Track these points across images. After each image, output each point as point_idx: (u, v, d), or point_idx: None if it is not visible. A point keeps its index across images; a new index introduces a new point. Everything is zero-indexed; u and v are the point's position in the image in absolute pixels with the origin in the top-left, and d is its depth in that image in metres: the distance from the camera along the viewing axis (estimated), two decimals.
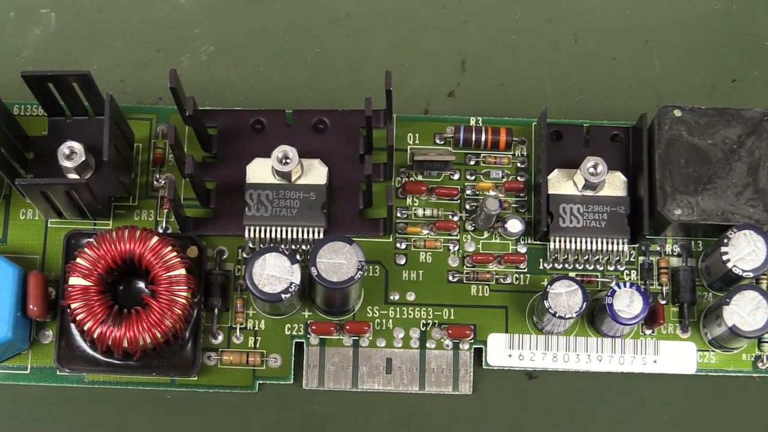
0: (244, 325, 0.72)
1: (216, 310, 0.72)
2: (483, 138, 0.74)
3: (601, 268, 0.74)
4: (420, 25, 0.79)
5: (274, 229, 0.72)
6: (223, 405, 0.73)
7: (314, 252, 0.68)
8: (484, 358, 0.73)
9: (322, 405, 0.73)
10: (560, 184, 0.73)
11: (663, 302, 0.73)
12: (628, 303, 0.70)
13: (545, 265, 0.74)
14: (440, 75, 0.78)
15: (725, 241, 0.70)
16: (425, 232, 0.74)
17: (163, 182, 0.74)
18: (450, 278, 0.73)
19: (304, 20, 0.79)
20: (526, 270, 0.74)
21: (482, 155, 0.75)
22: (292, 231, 0.72)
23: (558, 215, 0.72)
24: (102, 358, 0.70)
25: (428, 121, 0.76)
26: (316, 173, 0.73)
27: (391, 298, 0.73)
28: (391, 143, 0.71)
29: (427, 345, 0.73)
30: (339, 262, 0.68)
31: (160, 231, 0.73)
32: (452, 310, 0.73)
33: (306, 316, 0.73)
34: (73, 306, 0.68)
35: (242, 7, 0.79)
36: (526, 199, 0.75)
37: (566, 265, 0.74)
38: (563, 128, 0.75)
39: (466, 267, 0.74)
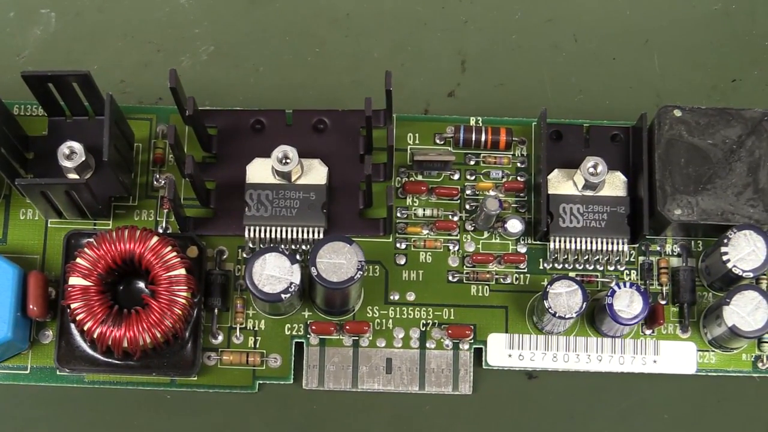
0: (244, 325, 0.73)
1: (216, 310, 0.72)
2: (483, 138, 0.74)
3: (601, 268, 0.74)
4: (420, 25, 0.79)
5: (274, 229, 0.72)
6: (223, 405, 0.73)
7: (314, 252, 0.68)
8: (484, 358, 0.73)
9: (322, 405, 0.73)
10: (560, 184, 0.73)
11: (663, 302, 0.73)
12: (628, 303, 0.70)
13: (545, 265, 0.74)
14: (440, 75, 0.78)
15: (725, 241, 0.70)
16: (425, 232, 0.74)
17: (163, 182, 0.74)
18: (450, 278, 0.73)
19: (304, 20, 0.79)
20: (526, 270, 0.74)
21: (482, 155, 0.75)
22: (292, 231, 0.72)
23: (558, 215, 0.72)
24: (102, 358, 0.70)
25: (428, 121, 0.76)
26: (316, 173, 0.73)
27: (391, 298, 0.73)
28: (391, 143, 0.71)
29: (427, 345, 0.73)
30: (339, 262, 0.68)
31: (160, 231, 0.73)
32: (452, 310, 0.73)
33: (306, 316, 0.73)
34: (73, 306, 0.68)
35: (242, 7, 0.79)
36: (526, 199, 0.75)
37: (566, 265, 0.74)
38: (563, 128, 0.75)
39: (466, 267, 0.74)
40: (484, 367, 0.73)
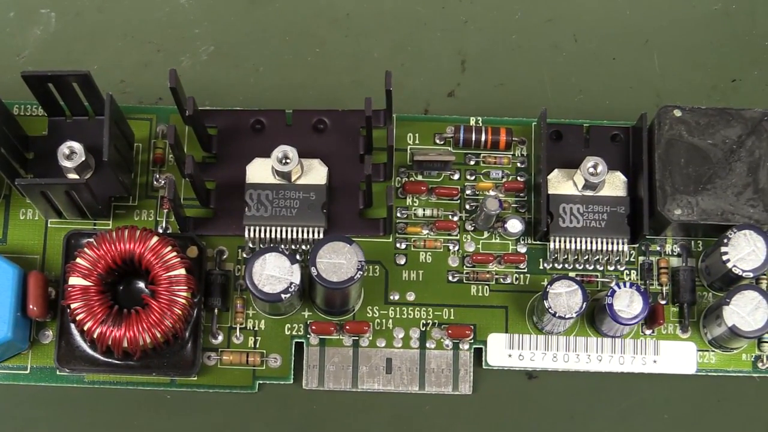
0: (244, 325, 0.72)
1: (216, 310, 0.72)
2: (483, 138, 0.74)
3: (601, 268, 0.74)
4: (420, 25, 0.79)
5: (274, 229, 0.72)
6: (223, 405, 0.73)
7: (314, 252, 0.68)
8: (484, 358, 0.73)
9: (322, 405, 0.73)
10: (560, 184, 0.73)
11: (663, 302, 0.73)
12: (628, 303, 0.70)
13: (545, 265, 0.74)
14: (440, 75, 0.78)
15: (725, 241, 0.70)
16: (425, 232, 0.74)
17: (163, 182, 0.74)
18: (450, 278, 0.73)
19: (304, 20, 0.79)
20: (526, 270, 0.74)
21: (482, 155, 0.75)
22: (292, 231, 0.72)
23: (558, 215, 0.72)
24: (102, 358, 0.70)
25: (428, 121, 0.76)
26: (316, 173, 0.73)
27: (391, 298, 0.73)
28: (391, 143, 0.71)
29: (427, 345, 0.73)
30: (339, 262, 0.68)
31: (160, 231, 0.73)
32: (452, 310, 0.73)
33: (306, 316, 0.73)
34: (73, 306, 0.68)
35: (242, 7, 0.79)
36: (526, 199, 0.75)
37: (566, 265, 0.74)
38: (563, 128, 0.75)
39: (466, 267, 0.74)
40: (484, 367, 0.73)
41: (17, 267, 0.70)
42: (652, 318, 0.72)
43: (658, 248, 0.74)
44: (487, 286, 0.73)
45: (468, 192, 0.74)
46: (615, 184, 0.73)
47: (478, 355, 0.73)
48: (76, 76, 0.70)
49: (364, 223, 0.73)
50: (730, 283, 0.72)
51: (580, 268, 0.74)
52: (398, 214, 0.74)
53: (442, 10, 0.80)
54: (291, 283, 0.68)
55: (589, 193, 0.73)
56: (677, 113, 0.72)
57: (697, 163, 0.72)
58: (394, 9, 0.80)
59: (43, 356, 0.72)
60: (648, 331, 0.73)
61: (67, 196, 0.70)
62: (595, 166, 0.72)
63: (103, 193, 0.72)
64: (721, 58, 0.79)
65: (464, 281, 0.73)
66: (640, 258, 0.74)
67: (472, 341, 0.73)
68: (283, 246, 0.72)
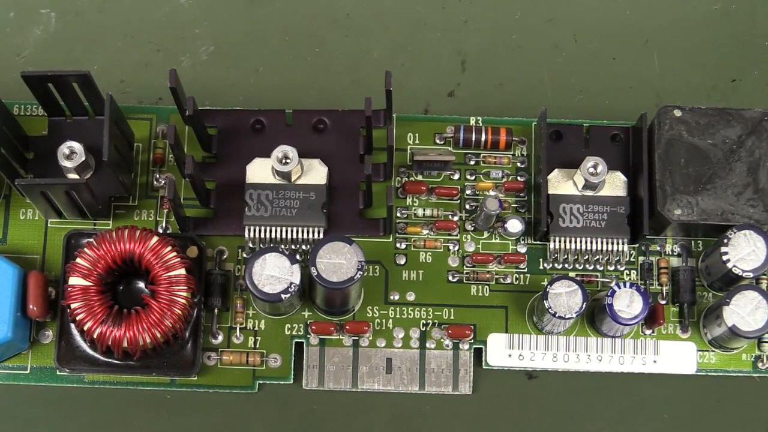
0: (244, 325, 0.72)
1: (216, 310, 0.72)
2: (483, 138, 0.74)
3: (601, 268, 0.74)
4: (420, 25, 0.79)
5: (274, 229, 0.72)
6: (223, 405, 0.73)
7: (314, 252, 0.68)
8: (484, 358, 0.73)
9: (322, 405, 0.73)
10: (560, 184, 0.73)
11: (663, 302, 0.73)
12: (628, 303, 0.70)
13: (545, 265, 0.74)
14: (440, 75, 0.78)
15: (725, 241, 0.70)
16: (425, 232, 0.74)
17: (163, 182, 0.74)
18: (450, 278, 0.73)
19: (304, 20, 0.79)
20: (526, 270, 0.74)
21: (482, 155, 0.75)
22: (292, 231, 0.72)
23: (558, 215, 0.72)
24: (102, 358, 0.70)
25: (428, 121, 0.76)
26: (316, 173, 0.73)
27: (391, 298, 0.73)
28: (391, 143, 0.71)
29: (427, 345, 0.73)
30: (339, 262, 0.68)
31: (160, 231, 0.73)
32: (452, 310, 0.73)
33: (306, 316, 0.73)
34: (73, 306, 0.68)
35: (242, 7, 0.79)
36: (526, 199, 0.75)
37: (566, 265, 0.74)
38: (563, 128, 0.75)
39: (466, 267, 0.74)
40: (484, 367, 0.73)
41: (17, 267, 0.70)
42: (652, 318, 0.72)
43: (658, 248, 0.74)
44: (487, 286, 0.73)
45: (468, 192, 0.74)
46: (615, 184, 0.73)
47: (478, 355, 0.73)
48: (76, 76, 0.70)
49: (364, 223, 0.73)
50: (730, 283, 0.72)
51: (580, 268, 0.74)
52: (398, 214, 0.74)
53: (442, 10, 0.80)
54: (291, 283, 0.68)
55: (589, 193, 0.73)
56: (677, 113, 0.72)
57: (697, 163, 0.72)
58: (394, 9, 0.80)
59: (43, 356, 0.72)
60: (648, 331, 0.73)
61: (67, 196, 0.70)
62: (595, 166, 0.72)
63: (103, 193, 0.72)
64: (721, 58, 0.79)
65: (464, 281, 0.73)
66: (640, 258, 0.74)
67: (472, 341, 0.73)
68: (283, 246, 0.72)
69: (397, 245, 0.74)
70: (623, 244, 0.72)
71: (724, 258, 0.70)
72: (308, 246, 0.72)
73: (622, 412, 0.74)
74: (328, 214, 0.73)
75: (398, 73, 0.75)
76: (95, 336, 0.68)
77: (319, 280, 0.68)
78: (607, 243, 0.72)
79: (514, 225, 0.73)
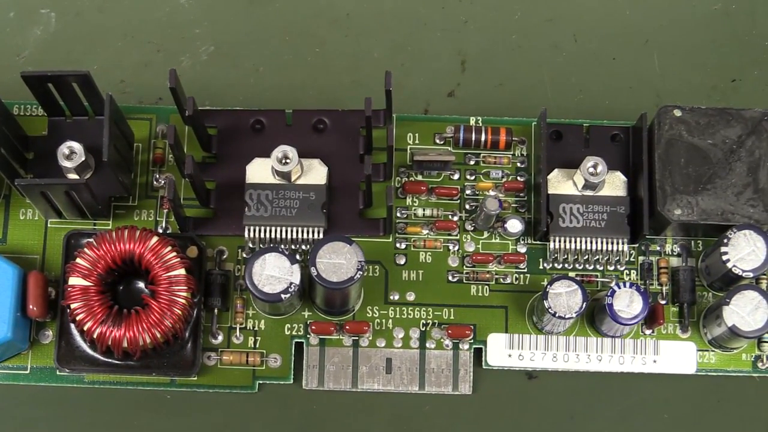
0: (244, 325, 0.73)
1: (216, 310, 0.72)
2: (483, 138, 0.74)
3: (601, 268, 0.74)
4: (420, 25, 0.79)
5: (273, 229, 0.72)
6: (223, 405, 0.73)
7: (314, 252, 0.68)
8: (483, 358, 0.73)
9: (322, 405, 0.73)
10: (560, 184, 0.73)
11: (663, 302, 0.73)
12: (628, 303, 0.70)
13: (545, 265, 0.74)
14: (440, 75, 0.78)
15: (725, 241, 0.70)
16: (425, 232, 0.74)
17: (163, 182, 0.74)
18: (450, 278, 0.73)
19: (304, 20, 0.79)
20: (525, 270, 0.74)
21: (482, 155, 0.75)
22: (291, 231, 0.72)
23: (558, 215, 0.72)
24: (102, 358, 0.70)
25: (428, 121, 0.76)
26: (316, 173, 0.73)
27: (391, 298, 0.73)
28: (390, 143, 0.71)
29: (427, 345, 0.73)
30: (339, 262, 0.68)
31: (160, 231, 0.73)
32: (452, 310, 0.73)
33: (306, 316, 0.73)
34: (72, 306, 0.68)
35: (242, 7, 0.79)
36: (526, 199, 0.75)
37: (566, 265, 0.74)
38: (563, 128, 0.75)
39: (466, 267, 0.74)
40: (484, 367, 0.73)
41: (17, 267, 0.70)
42: (652, 318, 0.72)
43: (658, 248, 0.74)
44: (487, 286, 0.73)
45: (468, 192, 0.74)
46: (615, 184, 0.73)
47: (478, 355, 0.73)
48: (76, 76, 0.70)
49: (364, 223, 0.73)
50: (730, 283, 0.72)
51: (580, 268, 0.74)
52: (398, 214, 0.74)
53: (442, 10, 0.80)
54: (291, 283, 0.68)
55: (589, 193, 0.73)
56: (677, 113, 0.72)
57: (697, 163, 0.72)
58: (394, 9, 0.80)
59: (43, 356, 0.72)
60: (648, 331, 0.73)
61: (67, 196, 0.70)
62: (595, 166, 0.72)
63: (103, 193, 0.72)
64: (721, 58, 0.79)
65: (464, 281, 0.73)
66: (640, 258, 0.74)
67: (472, 341, 0.73)
68: (283, 246, 0.72)
69: (397, 245, 0.74)
70: (623, 244, 0.72)
71: (724, 258, 0.70)
72: (308, 246, 0.72)
73: (622, 412, 0.74)
74: (328, 214, 0.73)
75: (398, 73, 0.75)
76: (95, 336, 0.68)
77: (319, 280, 0.68)
78: (607, 243, 0.72)
79: (514, 225, 0.73)
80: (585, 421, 0.74)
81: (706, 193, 0.71)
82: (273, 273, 0.68)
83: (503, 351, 0.73)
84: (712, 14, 0.80)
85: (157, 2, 0.79)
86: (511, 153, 0.75)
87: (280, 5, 0.80)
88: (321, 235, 0.72)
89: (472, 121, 0.75)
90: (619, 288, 0.70)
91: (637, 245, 0.74)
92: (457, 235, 0.74)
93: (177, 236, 0.72)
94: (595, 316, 0.72)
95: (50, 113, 0.73)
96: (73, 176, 0.71)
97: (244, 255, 0.73)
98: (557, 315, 0.69)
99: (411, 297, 0.73)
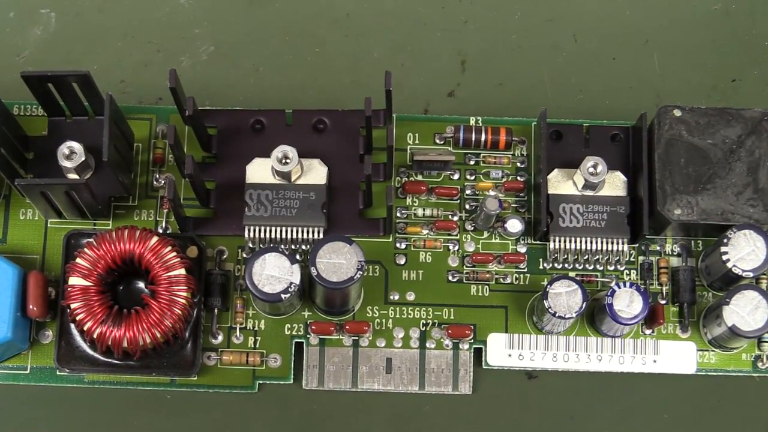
0: (244, 325, 0.73)
1: (216, 310, 0.72)
2: (483, 138, 0.74)
3: (601, 268, 0.74)
4: (420, 25, 0.79)
5: (273, 229, 0.72)
6: (223, 405, 0.73)
7: (314, 252, 0.68)
8: (483, 358, 0.73)
9: (322, 405, 0.73)
10: (560, 183, 0.73)
11: (663, 302, 0.73)
12: (628, 303, 0.70)
13: (545, 264, 0.74)
14: (440, 75, 0.78)
15: (725, 240, 0.70)
16: (425, 232, 0.74)
17: (163, 182, 0.74)
18: (450, 278, 0.73)
19: (304, 20, 0.79)
20: (525, 270, 0.74)
21: (482, 155, 0.75)
22: (291, 231, 0.72)
23: (558, 215, 0.72)
24: (102, 358, 0.70)
25: (428, 121, 0.76)
26: (316, 173, 0.73)
27: (391, 298, 0.73)
28: (390, 143, 0.71)
29: (427, 345, 0.73)
30: (339, 262, 0.68)
31: (160, 231, 0.73)
32: (452, 310, 0.73)
33: (306, 316, 0.73)
34: (72, 306, 0.68)
35: (242, 7, 0.79)
36: (525, 199, 0.75)
37: (566, 265, 0.74)
38: (563, 128, 0.75)
39: (466, 267, 0.74)
40: (484, 367, 0.73)
41: (17, 267, 0.70)
42: (652, 318, 0.72)
43: (658, 248, 0.74)
44: (487, 286, 0.73)
45: (468, 192, 0.74)
46: (615, 184, 0.73)
47: (478, 355, 0.73)
48: (76, 76, 0.70)
49: (364, 223, 0.73)
50: (730, 282, 0.72)
51: (580, 268, 0.74)
52: (398, 214, 0.74)
53: (442, 10, 0.80)
54: (291, 283, 0.68)
55: (589, 192, 0.73)
56: (677, 113, 0.72)
57: (697, 163, 0.72)
58: (394, 9, 0.80)
59: (43, 356, 0.72)
60: (648, 331, 0.73)
61: (67, 196, 0.70)
62: (595, 166, 0.72)
63: (103, 193, 0.72)
64: (721, 58, 0.79)
65: (464, 281, 0.73)
66: (640, 258, 0.74)
67: (472, 341, 0.73)
68: (283, 246, 0.72)
69: (397, 245, 0.74)
70: (623, 243, 0.72)
71: (724, 258, 0.70)
72: (308, 246, 0.72)
73: (622, 412, 0.74)
74: (328, 214, 0.73)
75: (398, 73, 0.75)
76: (95, 336, 0.68)
77: (319, 280, 0.68)
78: (607, 243, 0.72)
79: (514, 225, 0.73)
80: (585, 421, 0.74)
81: (706, 193, 0.71)
82: (273, 273, 0.68)
83: (503, 351, 0.73)
84: (712, 14, 0.80)
85: (157, 2, 0.79)
86: (511, 153, 0.75)
87: (280, 5, 0.80)
88: (321, 235, 0.72)
89: (472, 121, 0.75)
90: (619, 288, 0.70)
91: (637, 245, 0.74)
92: (457, 235, 0.74)
93: (177, 236, 0.72)
94: (595, 316, 0.72)
95: (50, 113, 0.73)
96: (73, 176, 0.71)
97: (244, 255, 0.73)
98: (557, 315, 0.69)
99: (411, 297, 0.73)
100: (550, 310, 0.69)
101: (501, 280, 0.73)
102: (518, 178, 0.75)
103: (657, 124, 0.72)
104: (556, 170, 0.73)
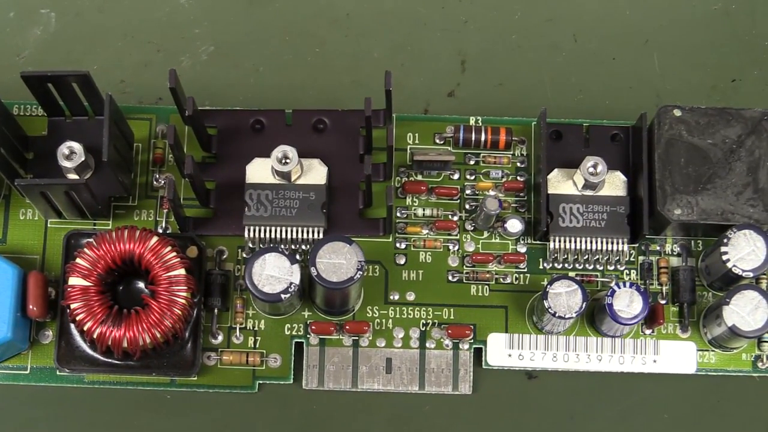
0: (243, 325, 0.73)
1: (216, 310, 0.72)
2: (483, 138, 0.74)
3: (601, 268, 0.74)
4: (420, 25, 0.79)
5: (273, 229, 0.72)
6: (223, 405, 0.73)
7: (314, 252, 0.68)
8: (483, 358, 0.73)
9: (322, 405, 0.73)
10: (560, 183, 0.73)
11: (663, 302, 0.73)
12: (628, 303, 0.70)
13: (545, 264, 0.74)
14: (440, 75, 0.78)
15: (725, 240, 0.70)
16: (425, 232, 0.74)
17: (162, 182, 0.74)
18: (450, 278, 0.73)
19: (304, 20, 0.79)
20: (525, 270, 0.74)
21: (482, 155, 0.75)
22: (291, 231, 0.72)
23: (558, 215, 0.72)
24: (102, 358, 0.70)
25: (428, 121, 0.76)
26: (316, 173, 0.73)
27: (391, 298, 0.73)
28: (390, 143, 0.71)
29: (427, 345, 0.73)
30: (339, 262, 0.68)
31: (160, 231, 0.73)
32: (452, 309, 0.73)
33: (306, 316, 0.73)
34: (72, 306, 0.68)
35: (242, 7, 0.79)
36: (525, 199, 0.75)
37: (566, 265, 0.74)
38: (563, 128, 0.75)
39: (466, 267, 0.74)
40: (484, 367, 0.73)
41: (17, 267, 0.70)
42: (652, 318, 0.72)
43: (658, 248, 0.74)
44: (487, 286, 0.73)
45: (468, 192, 0.74)
46: (615, 184, 0.73)
47: (478, 355, 0.73)
48: (76, 76, 0.70)
49: (364, 223, 0.73)
50: (730, 282, 0.72)
51: (580, 267, 0.74)
52: (398, 214, 0.74)
53: (442, 10, 0.80)
54: (291, 283, 0.68)
55: (588, 192, 0.73)
56: (677, 113, 0.72)
57: (697, 162, 0.72)
58: (394, 9, 0.80)
59: (43, 356, 0.72)
60: (648, 331, 0.73)
61: (67, 196, 0.70)
62: (594, 166, 0.72)
63: (102, 193, 0.72)
64: (721, 58, 0.79)
65: (464, 281, 0.73)
66: (640, 258, 0.74)
67: (472, 341, 0.73)
68: (283, 246, 0.72)
69: (397, 245, 0.74)
70: (623, 243, 0.72)
71: (724, 258, 0.70)
72: (308, 246, 0.72)
73: (622, 412, 0.74)
74: (328, 214, 0.73)
75: (398, 73, 0.75)
76: (95, 336, 0.68)
77: (319, 280, 0.68)
78: (607, 243, 0.72)
79: (514, 225, 0.73)
80: (585, 421, 0.74)
81: (706, 192, 0.71)
82: (273, 273, 0.68)
83: (503, 351, 0.73)
84: (712, 14, 0.80)
85: (157, 2, 0.79)
86: (511, 153, 0.75)
87: (280, 5, 0.80)
88: (321, 235, 0.72)
89: (472, 121, 0.75)
90: (619, 288, 0.70)
91: (637, 245, 0.74)
92: (457, 235, 0.74)
93: (177, 236, 0.72)
94: (595, 316, 0.72)
95: (50, 113, 0.73)
96: (73, 176, 0.71)
97: (244, 255, 0.73)
98: (557, 315, 0.69)
99: (411, 297, 0.73)
100: (550, 310, 0.69)
101: (501, 280, 0.73)
102: (518, 178, 0.75)
103: (657, 124, 0.72)
104: (556, 170, 0.73)
